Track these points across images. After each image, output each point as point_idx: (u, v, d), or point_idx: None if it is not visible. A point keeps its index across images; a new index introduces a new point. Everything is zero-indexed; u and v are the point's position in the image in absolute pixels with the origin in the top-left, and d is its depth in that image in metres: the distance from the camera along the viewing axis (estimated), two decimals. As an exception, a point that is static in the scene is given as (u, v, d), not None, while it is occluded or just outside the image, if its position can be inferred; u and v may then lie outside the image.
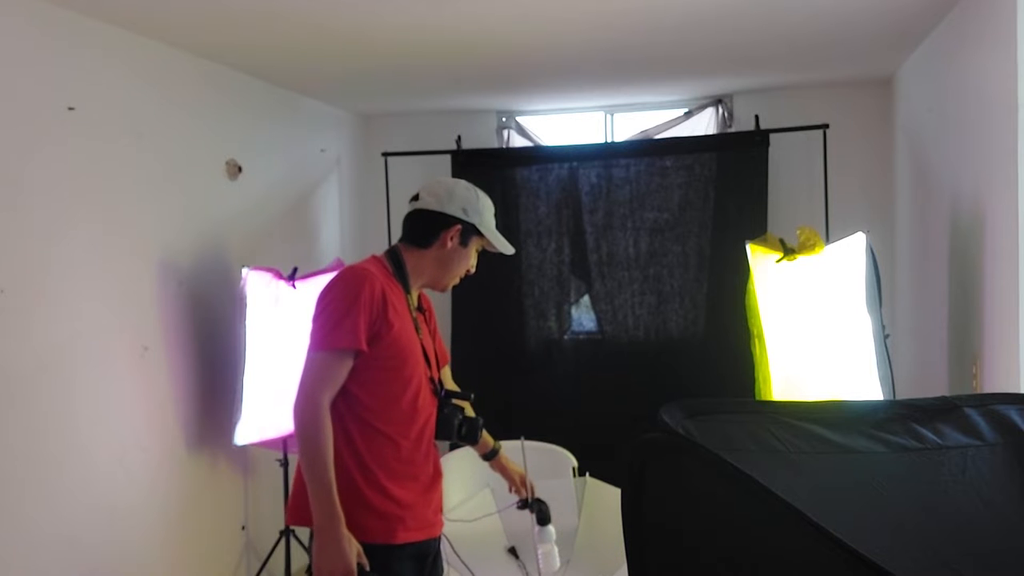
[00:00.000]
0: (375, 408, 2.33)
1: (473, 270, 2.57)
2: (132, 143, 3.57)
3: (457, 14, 3.45)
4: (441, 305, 5.68)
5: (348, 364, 2.27)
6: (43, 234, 3.10)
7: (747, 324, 3.90)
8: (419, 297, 2.58)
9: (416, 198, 2.51)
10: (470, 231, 2.48)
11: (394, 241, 2.56)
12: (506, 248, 2.56)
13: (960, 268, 3.54)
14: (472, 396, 2.58)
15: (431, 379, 2.47)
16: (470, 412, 2.62)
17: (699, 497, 1.07)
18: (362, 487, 2.31)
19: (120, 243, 3.49)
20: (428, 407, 2.44)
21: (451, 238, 2.45)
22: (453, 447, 2.61)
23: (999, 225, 3.00)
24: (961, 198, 3.52)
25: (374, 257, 2.48)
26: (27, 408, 3.02)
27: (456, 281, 2.57)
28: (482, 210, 2.50)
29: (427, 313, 2.60)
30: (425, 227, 2.46)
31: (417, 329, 2.43)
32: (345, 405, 2.31)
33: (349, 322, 2.24)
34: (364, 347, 2.27)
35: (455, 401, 2.52)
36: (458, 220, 2.45)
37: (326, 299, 2.30)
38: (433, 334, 2.60)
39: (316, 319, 2.30)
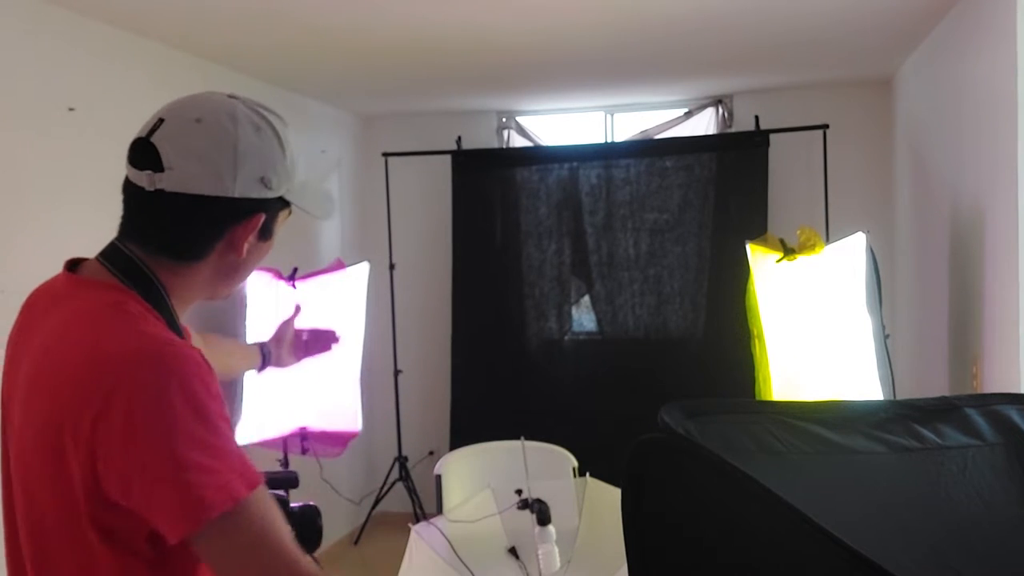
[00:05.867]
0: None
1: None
2: (132, 143, 3.56)
3: (457, 14, 3.45)
4: (440, 304, 5.77)
5: None
6: (43, 234, 3.10)
7: (747, 324, 3.90)
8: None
9: (153, 162, 1.32)
10: (276, 210, 1.39)
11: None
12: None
13: (960, 268, 3.54)
14: (296, 475, 1.67)
15: None
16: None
17: (699, 497, 1.08)
18: None
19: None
20: None
21: (247, 239, 1.36)
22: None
23: (999, 225, 3.00)
24: (961, 198, 3.52)
25: (93, 282, 1.35)
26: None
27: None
28: (291, 167, 1.36)
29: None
30: (192, 226, 1.31)
31: None
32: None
33: (231, 434, 1.23)
34: None
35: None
36: (258, 204, 1.33)
37: (192, 404, 1.17)
38: None
39: (191, 445, 1.15)
